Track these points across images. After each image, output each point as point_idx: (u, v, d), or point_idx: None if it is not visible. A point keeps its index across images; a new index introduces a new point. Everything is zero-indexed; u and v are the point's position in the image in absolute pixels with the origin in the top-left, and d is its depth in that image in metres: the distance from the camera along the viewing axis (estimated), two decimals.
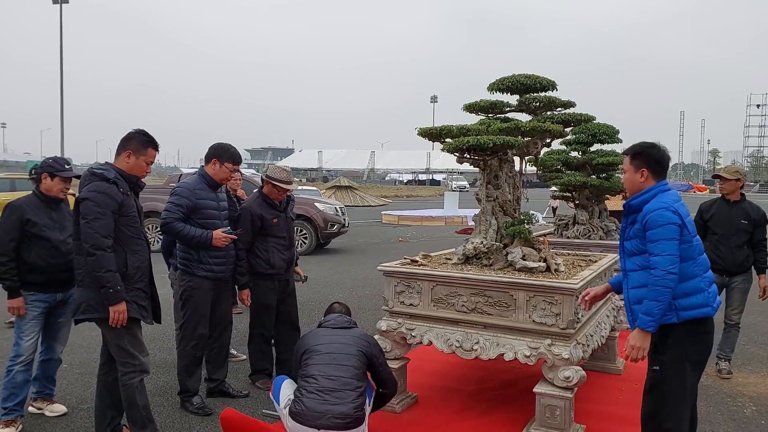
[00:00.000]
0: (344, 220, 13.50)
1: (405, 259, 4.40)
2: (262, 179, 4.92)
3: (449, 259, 4.45)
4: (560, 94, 4.96)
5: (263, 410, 4.20)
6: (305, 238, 12.69)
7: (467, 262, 4.33)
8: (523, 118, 4.99)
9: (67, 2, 36.88)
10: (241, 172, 5.79)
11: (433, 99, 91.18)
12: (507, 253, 4.19)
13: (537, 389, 3.75)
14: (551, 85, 4.74)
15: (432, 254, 4.64)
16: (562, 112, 4.85)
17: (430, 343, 4.07)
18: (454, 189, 45.16)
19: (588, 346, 3.98)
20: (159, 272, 3.84)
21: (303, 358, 3.70)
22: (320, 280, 9.47)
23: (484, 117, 4.96)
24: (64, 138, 38.41)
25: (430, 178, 76.94)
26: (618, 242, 6.33)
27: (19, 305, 3.87)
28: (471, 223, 18.66)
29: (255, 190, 4.94)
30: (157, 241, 10.95)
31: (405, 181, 78.32)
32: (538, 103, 4.74)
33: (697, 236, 3.10)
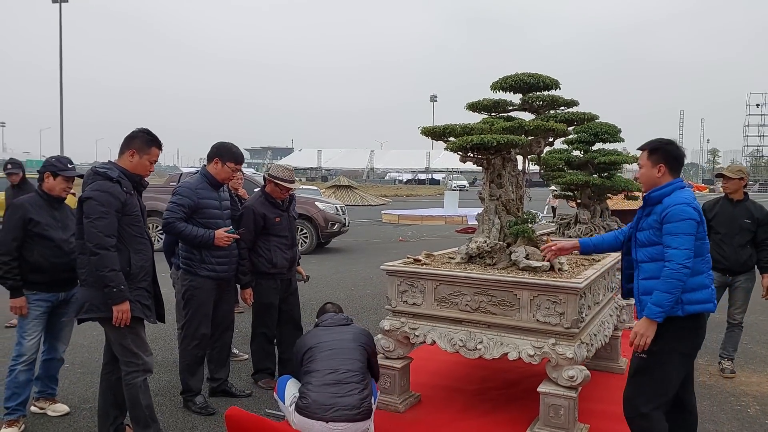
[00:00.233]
0: (345, 219, 13.49)
1: (408, 258, 4.39)
2: (264, 178, 4.90)
3: (452, 258, 4.44)
4: (560, 93, 4.96)
5: (266, 410, 4.19)
6: (306, 237, 12.68)
7: (470, 261, 4.32)
8: (526, 117, 4.99)
9: (67, 1, 36.85)
10: (242, 171, 5.78)
11: (433, 98, 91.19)
12: (510, 253, 4.18)
13: (541, 389, 3.74)
14: (554, 84, 4.73)
15: (435, 253, 4.63)
16: (566, 110, 4.84)
17: (434, 342, 4.06)
18: (454, 188, 45.13)
19: (592, 345, 3.97)
20: (160, 271, 3.83)
21: (305, 357, 3.72)
22: (321, 279, 9.46)
23: (486, 116, 4.95)
24: (64, 137, 38.38)
25: (430, 177, 76.93)
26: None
27: (21, 305, 3.86)
28: (471, 223, 18.74)
29: (257, 189, 4.93)
30: (158, 240, 10.94)
31: (405, 180, 78.30)
32: (541, 102, 4.73)
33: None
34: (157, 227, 12.00)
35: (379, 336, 4.28)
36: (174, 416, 4.15)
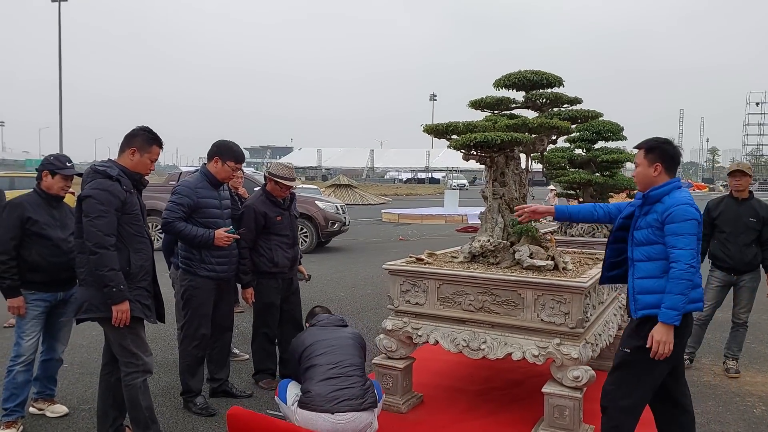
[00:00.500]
0: (345, 218, 13.46)
1: (410, 257, 4.35)
2: (264, 176, 4.85)
3: (455, 257, 4.40)
4: (563, 91, 4.90)
5: (267, 410, 4.14)
6: (306, 236, 12.63)
7: (473, 260, 4.27)
8: (529, 114, 4.94)
9: (66, 0, 36.77)
10: (242, 170, 5.73)
11: (432, 97, 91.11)
12: (514, 252, 4.14)
13: (545, 389, 3.70)
14: (558, 81, 4.68)
15: (437, 252, 4.59)
16: (569, 108, 4.79)
17: (437, 342, 4.02)
18: (454, 187, 45.09)
19: (597, 345, 3.93)
20: (159, 271, 3.78)
21: (304, 355, 3.74)
22: (321, 278, 9.42)
23: (489, 113, 4.90)
24: (63, 136, 38.32)
25: (430, 176, 76.86)
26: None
27: (19, 305, 3.81)
28: (471, 222, 18.71)
29: (257, 188, 4.88)
30: (159, 239, 10.89)
31: (404, 179, 78.24)
32: (544, 100, 4.68)
33: None
34: (156, 226, 11.95)
35: (382, 336, 4.23)
36: (174, 417, 4.11)
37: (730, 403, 4.49)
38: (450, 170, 72.56)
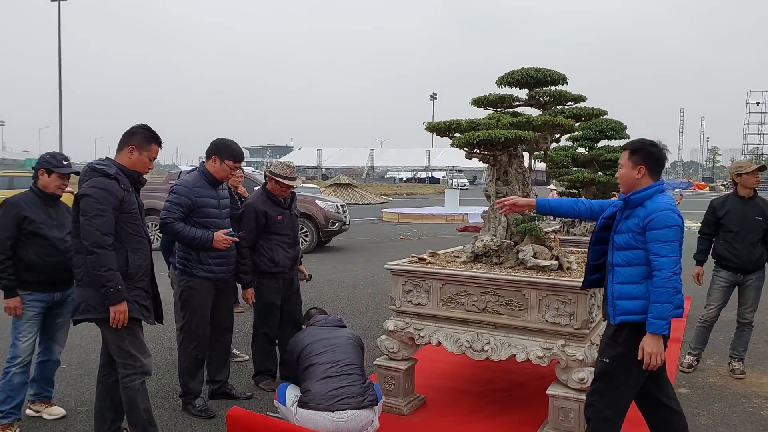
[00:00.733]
0: (345, 217, 13.41)
1: (412, 257, 4.29)
2: (265, 175, 4.79)
3: (458, 257, 4.34)
4: (567, 88, 4.84)
5: (268, 412, 4.08)
6: (306, 236, 12.58)
7: (476, 260, 4.22)
8: (532, 112, 4.88)
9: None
10: (242, 169, 5.67)
11: (433, 96, 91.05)
12: (518, 251, 4.08)
13: (550, 391, 3.65)
14: (561, 79, 4.63)
15: (439, 252, 4.53)
16: (573, 106, 4.74)
17: (439, 343, 3.96)
18: (455, 187, 45.05)
19: None
20: (158, 271, 3.72)
21: (303, 354, 3.73)
22: (322, 278, 9.36)
23: (492, 111, 4.85)
24: (63, 136, 38.27)
25: (430, 176, 76.82)
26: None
27: (15, 305, 3.75)
28: (472, 221, 18.65)
29: (258, 187, 4.82)
30: (158, 239, 10.83)
31: (404, 178, 78.20)
32: (548, 97, 4.63)
33: None
34: (155, 225, 11.90)
35: (383, 337, 4.18)
36: (173, 419, 4.05)
37: (736, 404, 4.43)
38: (450, 170, 72.49)
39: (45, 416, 4.02)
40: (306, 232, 12.57)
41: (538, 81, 4.58)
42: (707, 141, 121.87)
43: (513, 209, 3.52)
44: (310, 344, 3.76)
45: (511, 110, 4.88)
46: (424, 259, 4.20)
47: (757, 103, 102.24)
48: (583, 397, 3.55)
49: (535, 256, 3.97)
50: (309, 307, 4.55)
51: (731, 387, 4.80)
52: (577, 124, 5.07)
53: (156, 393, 4.42)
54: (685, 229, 4.79)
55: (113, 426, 3.53)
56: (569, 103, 4.81)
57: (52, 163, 3.83)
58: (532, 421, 3.93)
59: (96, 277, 3.18)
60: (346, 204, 15.03)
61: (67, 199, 3.95)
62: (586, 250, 5.18)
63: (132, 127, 3.48)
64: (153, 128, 3.52)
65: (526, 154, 4.74)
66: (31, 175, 3.95)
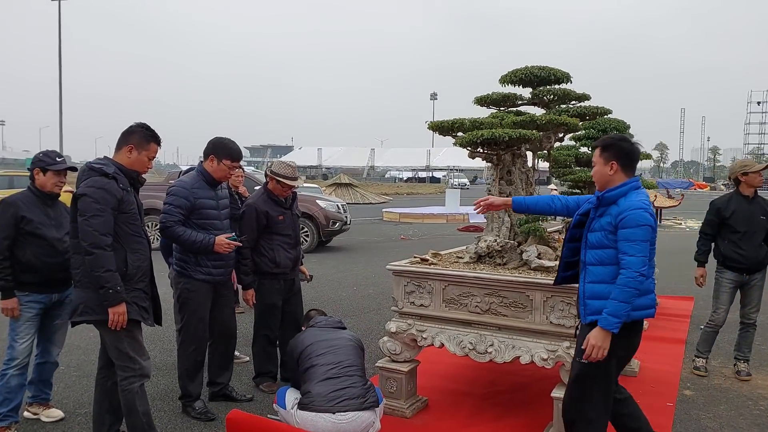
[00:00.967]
0: (346, 217, 13.36)
1: (415, 257, 4.24)
2: (266, 175, 4.74)
3: (461, 257, 4.29)
4: (571, 87, 4.80)
5: (268, 415, 4.04)
6: (307, 236, 12.53)
7: (480, 261, 4.17)
8: (535, 111, 4.84)
9: None
10: (243, 168, 5.62)
11: (433, 96, 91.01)
12: (521, 252, 4.03)
13: (555, 394, 3.60)
14: (565, 77, 4.58)
15: (442, 253, 4.48)
16: (577, 105, 4.69)
17: (442, 345, 3.92)
18: (456, 186, 45.01)
19: None
20: (158, 271, 3.67)
21: (303, 355, 3.69)
22: (323, 278, 9.31)
23: (495, 110, 4.80)
24: (63, 136, 38.23)
25: (430, 175, 76.77)
26: None
27: (13, 306, 3.70)
28: (473, 221, 18.60)
29: (258, 187, 4.77)
30: (157, 239, 10.79)
31: (405, 178, 78.15)
32: (552, 96, 4.58)
33: None
34: (156, 225, 11.85)
35: (385, 338, 4.13)
36: (173, 422, 4.00)
37: (742, 407, 4.38)
38: (451, 169, 72.44)
39: (43, 419, 3.97)
40: (306, 231, 12.52)
41: (541, 79, 4.53)
42: (708, 141, 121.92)
43: (489, 209, 3.50)
44: (310, 345, 3.72)
45: (515, 109, 4.84)
46: (427, 260, 4.15)
47: (758, 103, 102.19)
48: None
49: (539, 256, 3.92)
50: (308, 308, 4.51)
51: (737, 389, 4.75)
52: (580, 123, 5.02)
53: (155, 395, 4.37)
54: (687, 230, 4.72)
55: (112, 429, 3.48)
56: (573, 102, 4.76)
57: (46, 162, 3.77)
58: (536, 424, 3.88)
59: (94, 278, 3.14)
60: (347, 204, 14.98)
61: (66, 198, 3.90)
62: None
63: (130, 126, 3.42)
64: (152, 127, 3.47)
65: (529, 154, 4.69)
66: (30, 174, 3.90)
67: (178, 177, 5.40)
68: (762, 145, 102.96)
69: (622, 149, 2.99)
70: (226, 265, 4.14)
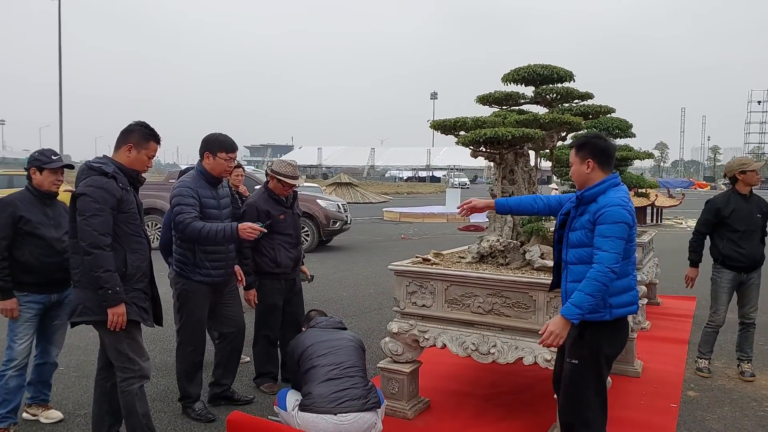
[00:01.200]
0: (346, 216, 13.33)
1: (417, 257, 4.21)
2: (266, 174, 4.71)
3: (463, 257, 4.26)
4: (574, 85, 4.77)
5: (269, 416, 4.00)
6: (307, 235, 12.50)
7: (482, 261, 4.14)
8: (538, 110, 4.81)
9: None
10: (243, 168, 5.58)
11: (433, 95, 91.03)
12: (524, 252, 4.00)
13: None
14: (568, 76, 4.55)
15: (443, 252, 4.44)
16: (580, 104, 4.66)
17: (444, 346, 3.88)
18: (456, 186, 44.96)
19: None
20: (158, 271, 3.63)
21: (304, 356, 3.67)
22: (323, 278, 9.28)
23: (498, 109, 4.77)
24: (63, 136, 38.19)
25: (431, 175, 76.74)
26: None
27: (12, 307, 3.67)
28: (474, 221, 18.58)
29: (259, 186, 4.73)
30: (157, 239, 10.76)
31: (405, 177, 78.12)
32: (554, 95, 4.55)
33: None
34: (156, 225, 11.83)
35: (387, 339, 4.10)
36: (172, 423, 3.97)
37: (747, 408, 4.34)
38: (451, 169, 72.42)
39: (42, 420, 3.94)
40: (307, 231, 12.49)
41: (544, 78, 4.51)
42: (708, 140, 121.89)
43: (472, 212, 3.47)
44: (311, 346, 3.69)
45: (517, 108, 4.80)
46: (429, 260, 4.12)
47: (759, 102, 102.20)
48: None
49: (542, 256, 3.88)
50: (310, 308, 4.48)
51: (741, 390, 4.71)
52: (583, 122, 4.99)
53: (155, 396, 4.34)
54: (687, 229, 4.67)
55: (111, 431, 3.45)
56: (576, 101, 4.73)
57: (42, 160, 3.74)
58: (539, 426, 3.85)
59: (93, 278, 3.10)
60: (347, 203, 14.96)
61: (65, 198, 3.86)
62: None
63: (129, 125, 3.39)
64: (151, 125, 3.43)
65: (531, 153, 4.66)
66: (26, 174, 3.86)
67: (178, 176, 5.35)
68: (762, 145, 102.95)
69: (596, 146, 2.99)
70: (226, 266, 4.09)
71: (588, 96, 4.66)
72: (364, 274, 9.98)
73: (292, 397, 3.59)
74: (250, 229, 3.80)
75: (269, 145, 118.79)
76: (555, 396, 3.32)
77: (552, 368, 3.57)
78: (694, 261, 5.23)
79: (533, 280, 3.63)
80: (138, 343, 3.31)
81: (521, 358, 3.63)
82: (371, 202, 31.55)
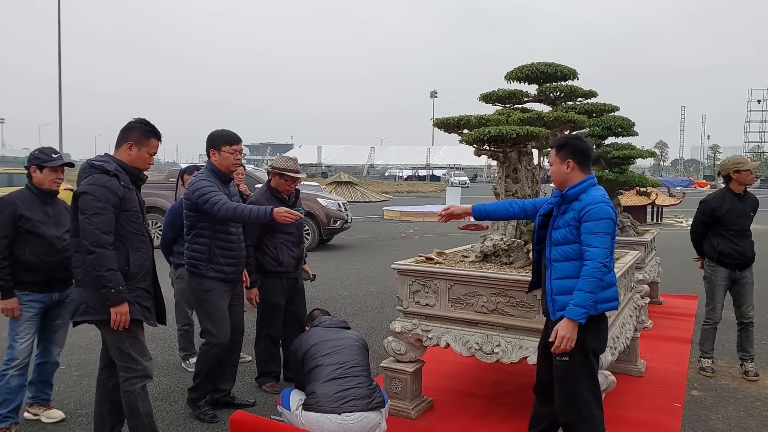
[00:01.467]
0: (347, 215, 13.32)
1: (420, 256, 4.19)
2: (268, 172, 4.68)
3: (466, 256, 4.24)
4: (578, 84, 4.75)
5: (272, 416, 3.98)
6: (308, 234, 12.47)
7: (486, 260, 4.12)
8: (541, 108, 4.78)
9: None
10: (244, 167, 5.56)
11: (433, 94, 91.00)
12: (528, 251, 3.98)
13: None
14: (572, 74, 4.54)
15: (446, 251, 4.42)
16: (584, 102, 4.64)
17: (448, 345, 3.86)
18: (455, 184, 44.96)
19: (615, 348, 3.78)
20: (159, 269, 3.59)
21: (308, 355, 3.65)
22: (324, 277, 9.25)
23: (501, 107, 4.75)
24: (63, 134, 38.15)
25: (430, 173, 76.75)
26: (632, 239, 6.14)
27: (13, 306, 3.64)
28: (473, 219, 18.58)
29: (261, 185, 4.70)
30: (158, 237, 10.73)
31: (405, 176, 78.14)
32: (558, 93, 4.53)
33: None
34: (158, 224, 11.80)
35: (390, 338, 4.08)
36: (175, 423, 3.94)
37: (751, 408, 4.32)
38: (451, 167, 72.44)
39: (43, 420, 3.92)
40: (308, 230, 12.47)
41: (548, 76, 4.49)
42: (708, 139, 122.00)
43: (450, 218, 3.57)
44: (315, 345, 3.68)
45: (520, 106, 4.78)
46: (432, 259, 4.10)
47: (759, 101, 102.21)
48: None
49: None
50: (311, 307, 4.46)
51: (745, 389, 4.70)
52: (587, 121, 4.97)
53: (157, 395, 4.32)
54: (688, 228, 4.60)
55: (114, 431, 3.43)
56: (579, 99, 4.71)
57: (42, 159, 3.71)
58: None
59: (96, 277, 3.08)
60: (347, 202, 14.94)
61: (66, 196, 3.83)
62: None
63: (129, 122, 3.36)
64: (151, 122, 3.40)
65: (534, 151, 4.64)
66: (27, 172, 3.83)
67: (179, 175, 5.30)
68: (762, 144, 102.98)
69: (576, 147, 3.09)
70: (238, 263, 4.03)
71: (592, 94, 4.64)
72: (365, 272, 9.95)
73: (296, 397, 3.57)
74: (286, 213, 3.72)
75: (269, 144, 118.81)
76: (536, 398, 3.41)
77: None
78: (699, 255, 5.33)
79: None
80: (141, 343, 3.29)
81: (525, 358, 3.62)
82: (371, 201, 31.52)
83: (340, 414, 3.31)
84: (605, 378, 3.43)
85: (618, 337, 3.91)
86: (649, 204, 17.52)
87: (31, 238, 3.63)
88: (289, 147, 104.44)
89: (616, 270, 3.96)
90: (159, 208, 12.10)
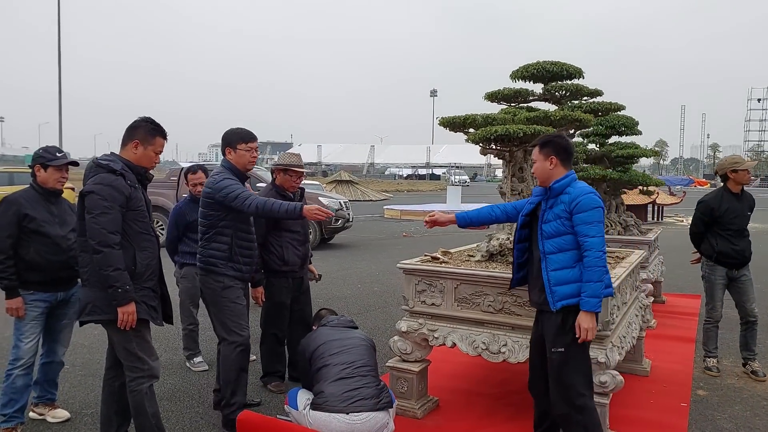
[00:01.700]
0: (348, 214, 13.31)
1: (426, 256, 4.18)
2: (271, 171, 4.67)
3: (472, 256, 4.23)
4: (583, 82, 4.73)
5: (278, 416, 3.97)
6: (309, 233, 12.47)
7: (491, 259, 4.11)
8: (546, 107, 4.77)
9: None
10: None
11: (433, 93, 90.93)
12: None
13: None
14: (578, 73, 4.53)
15: (452, 251, 4.41)
16: (590, 101, 4.62)
17: (454, 345, 3.85)
18: (456, 183, 44.96)
19: (622, 348, 3.77)
20: (165, 268, 3.56)
21: (316, 354, 3.65)
22: (326, 276, 9.22)
23: (506, 106, 4.73)
24: (63, 132, 38.09)
25: (430, 172, 76.73)
26: (636, 238, 6.12)
27: (18, 306, 3.63)
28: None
29: (265, 184, 4.69)
30: (160, 236, 10.73)
31: (405, 175, 78.14)
32: (564, 92, 4.52)
33: None
34: (158, 223, 11.78)
35: (396, 338, 4.07)
36: (181, 423, 3.93)
37: (758, 407, 4.31)
38: (451, 166, 72.41)
39: (49, 419, 3.91)
40: (309, 228, 12.47)
41: (553, 75, 4.48)
42: (708, 138, 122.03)
43: (434, 226, 3.66)
44: (322, 345, 3.67)
45: (526, 105, 4.77)
46: (438, 258, 4.09)
47: (758, 100, 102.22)
48: (605, 401, 3.45)
49: None
50: (315, 307, 4.44)
51: (751, 389, 4.69)
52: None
53: (163, 395, 4.30)
54: (688, 227, 4.58)
55: (120, 430, 3.41)
56: (585, 98, 4.70)
57: (47, 158, 3.70)
58: None
59: (103, 277, 3.06)
60: (348, 201, 14.94)
61: (68, 195, 3.81)
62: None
63: (135, 121, 3.34)
64: (156, 121, 3.38)
65: None
66: (31, 171, 3.82)
67: (179, 174, 5.26)
68: (762, 143, 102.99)
69: (559, 144, 3.19)
70: (251, 262, 3.97)
71: (597, 93, 4.64)
72: (368, 271, 9.94)
73: (303, 396, 3.56)
74: (318, 210, 3.66)
75: (268, 143, 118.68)
76: (534, 397, 3.44)
77: None
78: (701, 252, 5.34)
79: None
80: (147, 342, 3.28)
81: None
82: (372, 200, 31.52)
83: (348, 414, 3.30)
84: (613, 378, 3.42)
85: (624, 337, 3.89)
86: (649, 203, 17.52)
87: (35, 237, 3.62)
88: (288, 145, 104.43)
89: (621, 269, 3.97)
90: (161, 207, 12.08)
